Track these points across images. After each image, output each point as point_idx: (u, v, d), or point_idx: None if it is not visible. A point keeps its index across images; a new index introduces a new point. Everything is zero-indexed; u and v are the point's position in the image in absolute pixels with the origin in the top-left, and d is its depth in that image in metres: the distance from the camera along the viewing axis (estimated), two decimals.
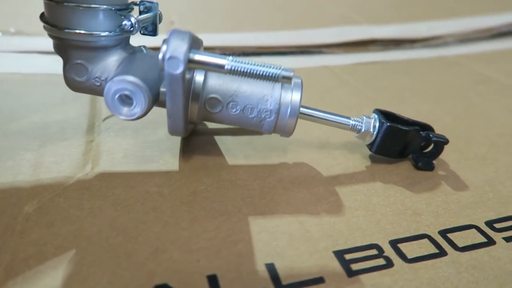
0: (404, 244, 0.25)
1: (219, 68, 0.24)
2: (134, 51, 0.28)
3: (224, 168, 0.30)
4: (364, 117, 0.30)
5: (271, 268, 0.23)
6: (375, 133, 0.30)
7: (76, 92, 0.28)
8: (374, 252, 0.24)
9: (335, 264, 0.23)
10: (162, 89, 0.26)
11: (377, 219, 0.26)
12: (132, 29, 0.26)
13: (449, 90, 0.44)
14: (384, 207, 0.27)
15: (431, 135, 0.30)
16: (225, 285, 0.21)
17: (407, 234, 0.25)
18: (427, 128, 0.31)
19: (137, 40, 0.29)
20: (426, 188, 0.29)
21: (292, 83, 0.28)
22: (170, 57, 0.22)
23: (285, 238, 0.24)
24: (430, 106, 0.41)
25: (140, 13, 0.29)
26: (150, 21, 0.29)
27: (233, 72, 0.24)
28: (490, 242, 0.25)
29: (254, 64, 0.24)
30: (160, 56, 0.23)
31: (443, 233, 0.25)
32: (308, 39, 0.55)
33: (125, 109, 0.25)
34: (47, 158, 0.30)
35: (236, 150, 0.32)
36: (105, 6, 0.25)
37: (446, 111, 0.40)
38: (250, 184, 0.29)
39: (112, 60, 0.27)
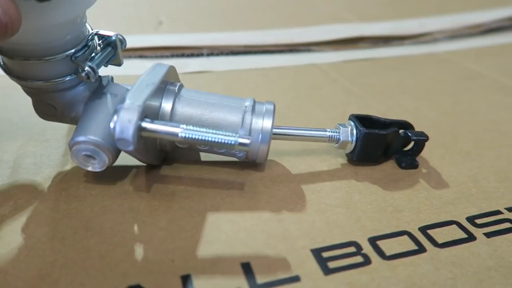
0: (384, 241, 0.24)
1: (172, 136, 0.23)
2: (100, 85, 0.28)
3: (205, 168, 0.30)
4: (341, 127, 0.30)
5: (246, 267, 0.22)
6: (354, 141, 0.29)
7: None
8: (352, 249, 0.24)
9: (312, 263, 0.23)
10: None
11: (358, 216, 0.26)
12: (88, 77, 0.25)
13: (437, 86, 0.44)
14: (365, 204, 0.27)
15: (409, 134, 0.30)
16: (198, 285, 0.21)
17: (387, 231, 0.25)
18: (406, 125, 0.31)
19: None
20: (408, 184, 0.29)
21: (264, 109, 0.28)
22: (119, 139, 0.22)
23: (263, 237, 0.24)
24: (417, 103, 0.40)
25: (100, 49, 0.28)
26: (111, 55, 0.28)
27: (187, 141, 0.23)
28: (471, 238, 0.25)
29: (209, 132, 0.24)
30: (112, 128, 0.22)
31: (424, 229, 0.25)
32: (297, 37, 0.55)
33: (90, 167, 0.26)
34: (26, 159, 0.29)
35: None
36: (59, 56, 0.25)
37: (433, 107, 0.40)
38: (230, 183, 0.28)
39: (78, 99, 0.27)
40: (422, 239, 0.24)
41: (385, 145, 0.29)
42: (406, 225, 0.25)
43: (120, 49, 0.28)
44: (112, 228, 0.24)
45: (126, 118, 0.22)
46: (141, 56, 0.49)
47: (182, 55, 0.50)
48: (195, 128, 0.23)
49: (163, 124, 0.23)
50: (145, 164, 0.29)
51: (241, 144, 0.23)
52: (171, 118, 0.27)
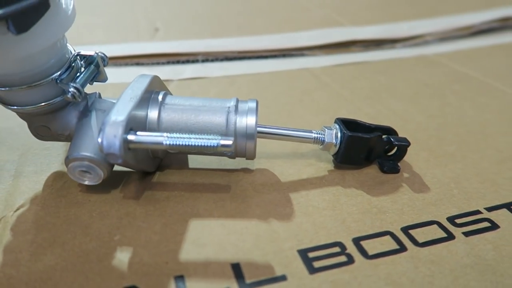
0: (367, 241, 0.26)
1: (158, 145, 0.25)
2: (88, 103, 0.29)
3: (198, 174, 0.31)
4: (326, 129, 0.31)
5: (236, 268, 0.24)
6: (338, 143, 0.30)
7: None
8: (337, 249, 0.25)
9: (298, 262, 0.24)
10: None
11: (343, 218, 0.27)
12: (74, 98, 0.26)
13: (426, 90, 0.45)
14: (351, 206, 0.28)
15: (392, 139, 0.31)
16: (191, 285, 0.22)
17: (371, 232, 0.26)
18: (389, 131, 0.32)
19: None
20: (393, 187, 0.30)
21: (247, 107, 0.29)
22: (107, 154, 0.24)
23: (252, 239, 0.26)
24: (405, 106, 0.42)
25: (84, 68, 0.28)
26: (94, 73, 0.29)
27: (173, 147, 0.25)
28: (450, 237, 0.26)
29: (192, 137, 0.25)
30: (99, 143, 0.24)
31: (405, 229, 0.26)
32: (290, 42, 0.56)
33: (86, 181, 0.27)
34: (27, 167, 0.31)
35: (211, 156, 0.33)
36: (45, 81, 0.26)
37: (420, 110, 0.41)
38: (222, 188, 0.30)
39: (69, 118, 0.28)
40: (404, 239, 0.26)
41: (368, 148, 0.31)
42: (389, 226, 0.27)
43: (102, 66, 0.29)
44: (110, 232, 0.26)
45: (111, 134, 0.23)
46: (138, 64, 0.50)
47: (178, 62, 0.51)
48: (178, 135, 0.25)
49: (148, 135, 0.25)
50: (138, 172, 0.30)
51: (223, 145, 0.25)
52: (159, 126, 0.28)
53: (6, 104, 0.27)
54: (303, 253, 0.25)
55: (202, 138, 0.25)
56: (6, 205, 0.27)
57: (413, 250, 0.25)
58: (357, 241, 0.26)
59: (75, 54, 0.28)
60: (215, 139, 0.25)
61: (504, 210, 0.28)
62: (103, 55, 0.29)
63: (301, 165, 0.32)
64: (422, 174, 0.32)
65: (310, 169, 0.32)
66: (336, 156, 0.31)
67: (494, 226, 0.27)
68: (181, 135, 0.25)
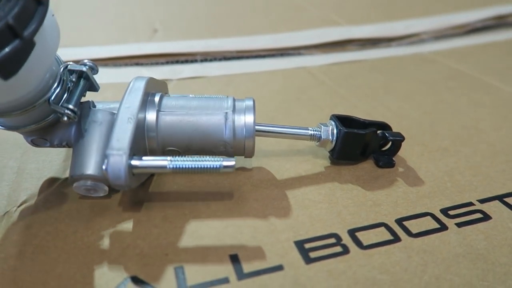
0: (362, 232, 0.26)
1: (162, 169, 0.25)
2: (83, 113, 0.28)
3: None
4: (322, 126, 0.31)
5: (234, 258, 0.24)
6: (334, 139, 0.31)
7: None
8: (332, 240, 0.26)
9: (295, 253, 0.25)
10: None
11: (339, 210, 0.28)
12: (70, 119, 0.26)
13: (421, 86, 0.46)
14: (346, 199, 0.29)
15: (387, 135, 0.31)
16: (190, 275, 0.23)
17: (365, 223, 0.27)
18: (384, 127, 0.32)
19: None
20: (388, 180, 0.31)
21: (244, 105, 0.29)
22: (113, 183, 0.24)
23: (250, 231, 0.26)
24: (400, 103, 0.42)
25: (74, 83, 0.27)
26: (86, 86, 0.28)
27: (176, 170, 0.25)
28: (443, 227, 0.27)
29: (195, 159, 0.25)
30: (104, 169, 0.24)
31: (400, 221, 0.27)
32: (287, 41, 0.57)
33: (94, 195, 0.27)
34: (29, 164, 0.31)
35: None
36: (38, 103, 0.25)
37: (415, 107, 0.41)
38: (221, 183, 0.30)
39: (66, 130, 0.28)
40: (398, 230, 0.26)
41: (363, 144, 0.31)
42: (383, 218, 0.27)
43: (93, 77, 0.28)
44: (110, 225, 0.26)
45: (116, 166, 0.24)
46: (137, 64, 0.51)
47: (177, 62, 0.52)
48: (181, 158, 0.25)
49: (152, 159, 0.25)
50: None
51: (226, 167, 0.25)
52: (157, 128, 0.28)
53: (5, 127, 0.27)
54: (299, 244, 0.25)
55: (205, 161, 0.25)
56: (9, 201, 0.28)
57: (407, 241, 0.26)
58: (352, 232, 0.26)
59: (64, 67, 0.26)
60: (218, 161, 0.25)
61: (496, 202, 0.29)
62: (91, 64, 0.28)
63: (297, 161, 0.33)
64: (416, 168, 0.32)
65: (306, 165, 0.33)
66: (332, 152, 0.32)
67: (486, 217, 0.27)
68: (185, 158, 0.25)
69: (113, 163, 0.24)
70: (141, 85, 0.28)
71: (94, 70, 0.28)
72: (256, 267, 0.24)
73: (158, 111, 0.28)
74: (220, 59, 0.53)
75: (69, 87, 0.26)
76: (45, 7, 0.22)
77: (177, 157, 0.25)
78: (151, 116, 0.28)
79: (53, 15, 0.23)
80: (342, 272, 0.23)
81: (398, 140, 0.31)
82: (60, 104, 0.26)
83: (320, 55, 0.55)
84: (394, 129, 0.33)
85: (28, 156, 0.32)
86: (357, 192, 0.30)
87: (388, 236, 0.26)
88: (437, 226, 0.27)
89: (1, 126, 0.27)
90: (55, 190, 0.29)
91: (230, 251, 0.25)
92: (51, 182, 0.30)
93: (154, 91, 0.30)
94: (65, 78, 0.26)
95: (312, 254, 0.25)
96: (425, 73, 0.49)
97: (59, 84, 0.26)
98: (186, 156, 0.25)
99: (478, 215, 0.28)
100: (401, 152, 0.33)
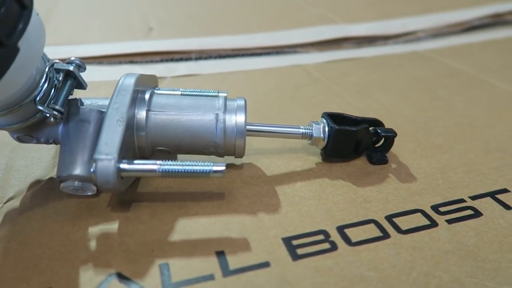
0: (351, 229, 0.26)
1: (151, 172, 0.25)
2: (71, 111, 0.27)
3: None
4: (313, 124, 0.31)
5: (220, 255, 0.24)
6: (326, 137, 0.31)
7: None
8: (321, 237, 0.25)
9: (282, 250, 0.24)
10: None
11: (328, 207, 0.28)
12: (56, 119, 0.25)
13: (416, 84, 0.46)
14: (337, 196, 0.29)
15: (379, 131, 0.31)
16: (175, 272, 0.23)
17: (355, 220, 0.27)
18: (376, 123, 0.32)
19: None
20: (379, 177, 0.31)
21: (236, 105, 0.29)
22: (102, 188, 0.24)
23: (238, 228, 0.26)
24: (395, 100, 0.42)
25: (61, 82, 0.26)
26: (73, 85, 0.27)
27: (166, 174, 0.25)
28: (433, 224, 0.26)
29: (184, 164, 0.25)
30: (92, 172, 0.24)
31: (389, 217, 0.27)
32: (283, 39, 0.56)
33: (82, 194, 0.27)
34: (18, 161, 0.31)
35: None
36: (24, 102, 0.25)
37: (410, 104, 0.41)
38: (211, 180, 0.30)
39: (52, 128, 0.27)
40: (387, 227, 0.26)
41: (356, 141, 0.31)
42: (373, 214, 0.27)
43: (80, 76, 0.27)
44: (97, 222, 0.26)
45: (104, 170, 0.23)
46: (131, 62, 0.51)
47: (172, 60, 0.51)
48: (170, 163, 0.25)
49: (141, 163, 0.25)
50: None
51: (215, 171, 0.25)
52: (147, 128, 0.27)
53: None
54: (287, 240, 0.25)
55: (194, 165, 0.25)
56: None
57: (396, 237, 0.25)
58: (341, 229, 0.26)
59: (51, 65, 0.26)
60: (208, 165, 0.25)
61: (488, 199, 0.28)
62: (79, 61, 0.27)
63: (289, 158, 0.33)
64: (408, 165, 0.32)
65: (297, 161, 0.32)
66: (325, 150, 0.31)
67: (477, 213, 0.27)
68: (174, 162, 0.25)
69: (101, 168, 0.23)
70: (130, 83, 0.27)
71: (81, 68, 0.27)
72: (242, 263, 0.23)
73: (148, 111, 0.28)
74: (215, 57, 0.52)
75: (55, 85, 0.26)
76: (29, 11, 0.21)
77: (166, 161, 0.25)
78: (141, 115, 0.27)
79: (37, 14, 0.23)
80: (329, 268, 0.23)
81: (390, 136, 0.31)
82: (46, 104, 0.25)
83: (316, 53, 0.54)
84: (388, 126, 0.33)
85: (17, 153, 0.32)
86: (347, 188, 0.29)
87: (377, 233, 0.26)
88: (427, 222, 0.26)
89: None
90: (43, 187, 0.29)
91: (216, 248, 0.24)
92: (39, 179, 0.30)
93: (144, 87, 0.29)
94: (51, 76, 0.26)
95: (300, 251, 0.24)
96: (421, 71, 0.49)
97: (45, 82, 0.25)
98: (176, 161, 0.25)
99: (469, 212, 0.27)
100: (394, 149, 0.33)
